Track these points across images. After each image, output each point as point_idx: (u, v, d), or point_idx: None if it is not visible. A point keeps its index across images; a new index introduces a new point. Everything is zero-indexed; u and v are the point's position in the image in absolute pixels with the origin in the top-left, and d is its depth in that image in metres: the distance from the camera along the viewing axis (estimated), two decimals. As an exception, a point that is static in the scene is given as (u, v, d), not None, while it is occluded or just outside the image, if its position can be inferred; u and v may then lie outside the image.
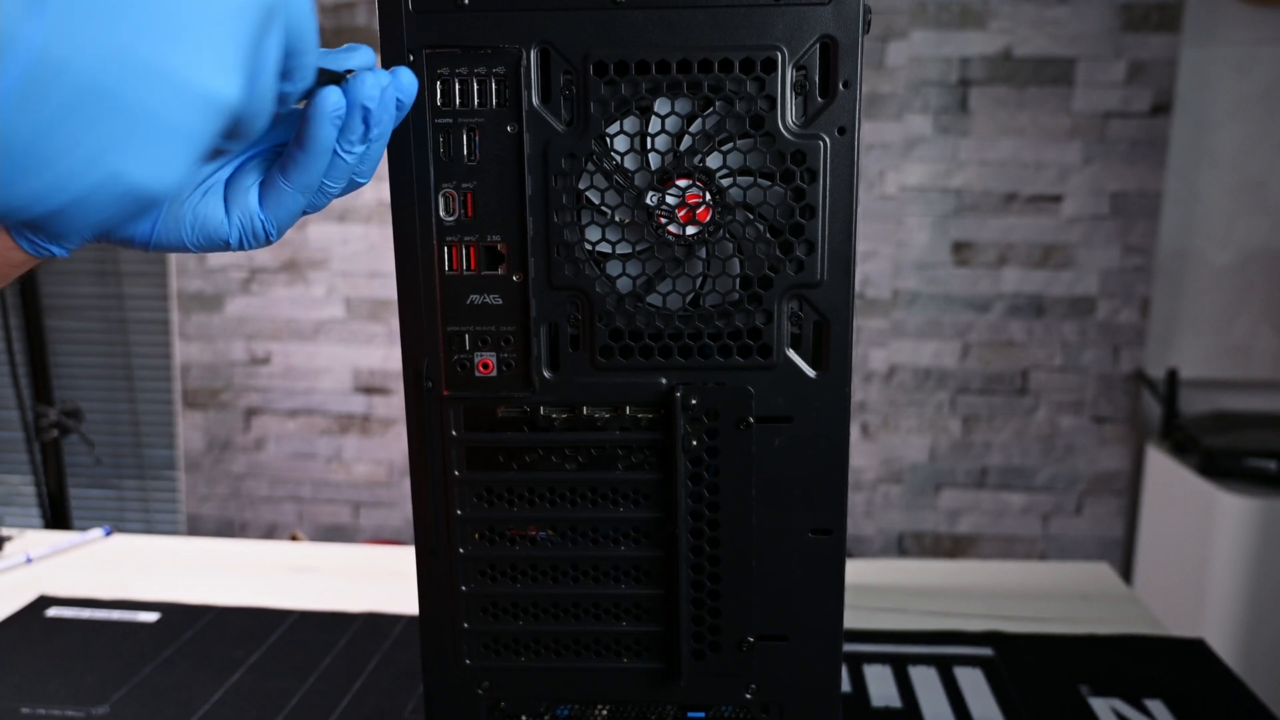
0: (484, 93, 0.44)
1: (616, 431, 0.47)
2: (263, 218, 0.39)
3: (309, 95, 0.34)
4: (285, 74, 0.31)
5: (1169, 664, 0.80)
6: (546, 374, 0.47)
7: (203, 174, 0.39)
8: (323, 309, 2.33)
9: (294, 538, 2.35)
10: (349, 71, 0.38)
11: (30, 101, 0.23)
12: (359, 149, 0.39)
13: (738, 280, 0.45)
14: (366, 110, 0.38)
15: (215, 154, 0.30)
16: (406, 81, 0.40)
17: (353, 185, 0.41)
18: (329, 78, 0.38)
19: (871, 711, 0.73)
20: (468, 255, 0.46)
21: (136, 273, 2.43)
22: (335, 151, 0.39)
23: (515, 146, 0.44)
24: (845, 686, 0.77)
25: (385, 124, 0.39)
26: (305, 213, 0.40)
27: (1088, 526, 2.23)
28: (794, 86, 0.43)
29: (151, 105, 0.25)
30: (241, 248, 0.40)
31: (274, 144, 0.41)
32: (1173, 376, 2.05)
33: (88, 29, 0.24)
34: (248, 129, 0.29)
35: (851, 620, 0.86)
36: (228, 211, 0.39)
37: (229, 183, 0.40)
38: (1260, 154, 2.10)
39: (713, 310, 0.45)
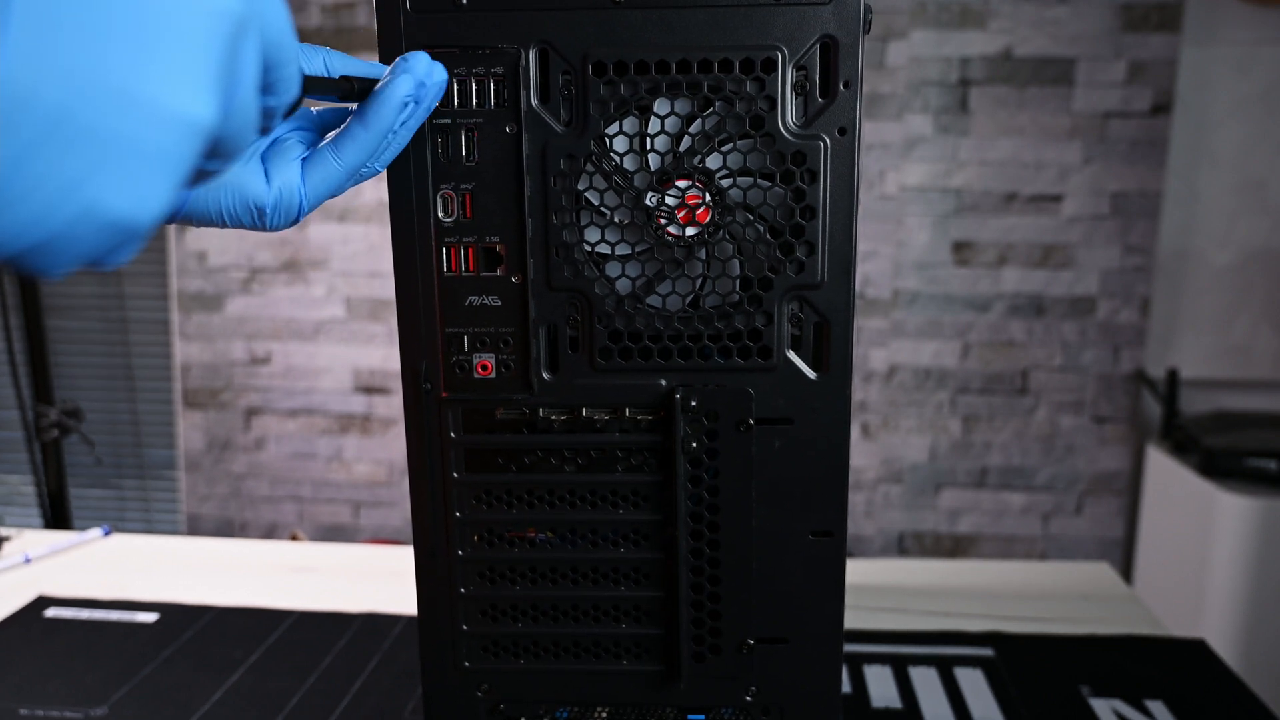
0: (482, 93, 0.44)
1: (616, 433, 0.47)
2: (303, 190, 0.39)
3: (295, 108, 0.33)
4: (266, 88, 0.31)
5: (1170, 664, 0.80)
6: (545, 375, 0.47)
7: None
8: (323, 309, 2.33)
9: (294, 538, 2.35)
10: (345, 80, 0.39)
11: None
12: (412, 125, 0.40)
13: (738, 281, 0.45)
14: (422, 87, 0.40)
15: (200, 175, 0.29)
16: (440, 68, 0.41)
17: (370, 173, 0.41)
18: (347, 85, 0.38)
19: (872, 712, 0.73)
20: (466, 256, 0.45)
21: (137, 272, 2.43)
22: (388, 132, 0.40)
23: (514, 147, 0.44)
24: (845, 687, 0.77)
25: (427, 106, 0.41)
26: (333, 194, 0.40)
27: (1088, 526, 2.23)
28: (794, 87, 0.43)
29: (125, 132, 0.24)
30: (274, 220, 0.39)
31: (312, 122, 0.42)
32: (1173, 376, 2.05)
33: (51, 55, 0.23)
34: (229, 148, 0.29)
35: (851, 620, 0.86)
36: (268, 179, 0.39)
37: (271, 155, 0.40)
38: (1260, 154, 2.10)
39: (713, 311, 0.45)
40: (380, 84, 0.39)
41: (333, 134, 0.40)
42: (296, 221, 0.40)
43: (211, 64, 0.26)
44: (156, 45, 0.24)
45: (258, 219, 0.39)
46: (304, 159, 0.40)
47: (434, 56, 0.43)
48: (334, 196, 0.41)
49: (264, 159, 0.39)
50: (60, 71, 0.23)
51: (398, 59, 0.40)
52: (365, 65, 0.41)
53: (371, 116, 0.39)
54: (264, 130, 0.32)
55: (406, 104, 0.39)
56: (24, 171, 0.23)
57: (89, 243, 0.25)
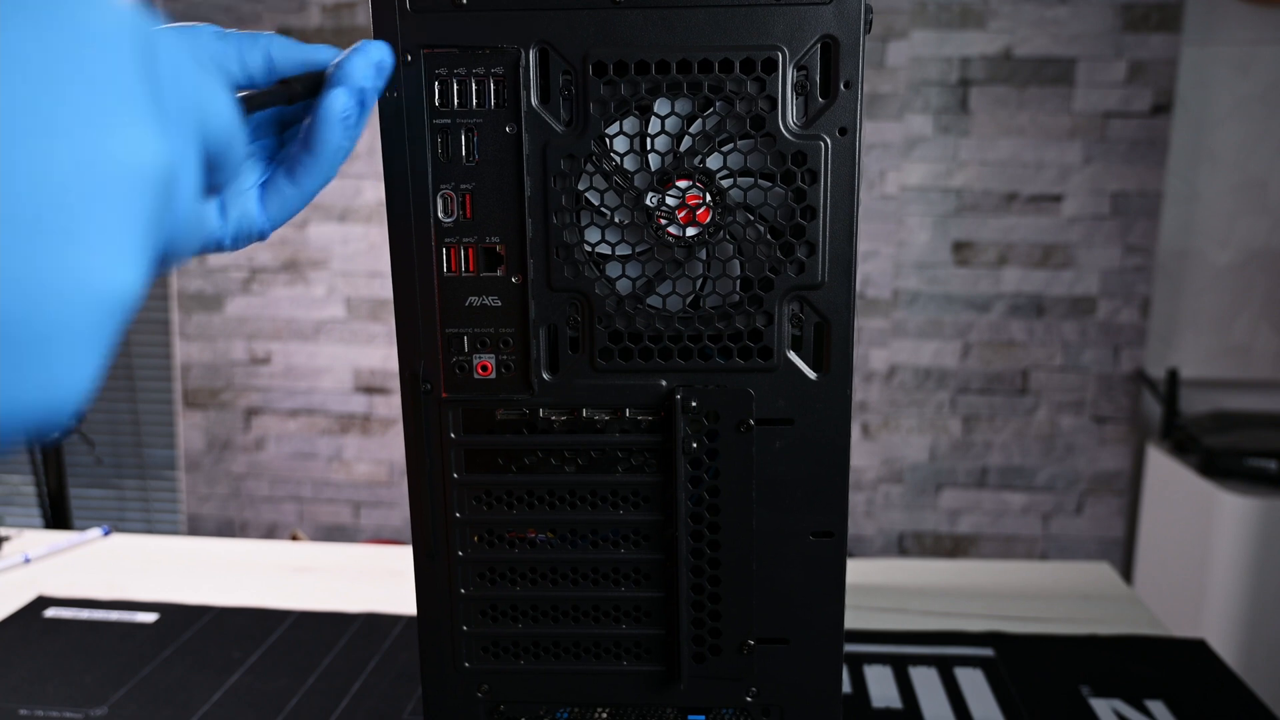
0: (482, 93, 0.44)
1: (616, 434, 0.47)
2: (261, 218, 0.39)
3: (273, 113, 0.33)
4: (211, 171, 0.30)
5: (1170, 664, 0.80)
6: (546, 376, 0.46)
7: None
8: (323, 309, 2.33)
9: (294, 538, 2.35)
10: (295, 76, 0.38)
11: None
12: (357, 132, 0.39)
13: (738, 282, 0.45)
14: (363, 92, 0.39)
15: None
16: (377, 50, 0.40)
17: (328, 181, 0.40)
18: (287, 89, 0.38)
19: (872, 712, 0.73)
20: (466, 256, 0.45)
21: (136, 272, 2.43)
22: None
23: (514, 147, 0.44)
24: (846, 687, 0.77)
25: (372, 101, 0.40)
26: (296, 212, 0.40)
27: (1088, 526, 2.23)
28: (795, 87, 0.43)
29: (48, 325, 0.23)
30: (236, 246, 0.39)
31: (272, 128, 0.41)
32: (1173, 376, 2.05)
33: None
34: (175, 251, 0.28)
35: (851, 620, 0.86)
36: (224, 214, 0.38)
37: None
38: (1260, 154, 2.10)
39: (713, 312, 0.45)
40: (317, 102, 0.38)
41: (284, 160, 0.39)
42: (262, 240, 0.40)
43: (137, 231, 0.24)
44: (81, 233, 0.23)
45: (216, 249, 0.38)
46: (262, 184, 0.39)
47: (434, 56, 0.43)
48: (298, 212, 0.40)
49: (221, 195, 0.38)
50: None
51: (334, 65, 0.39)
52: (312, 52, 0.40)
53: (315, 142, 0.38)
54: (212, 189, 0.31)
55: (347, 116, 0.38)
56: None
57: (21, 426, 0.24)
